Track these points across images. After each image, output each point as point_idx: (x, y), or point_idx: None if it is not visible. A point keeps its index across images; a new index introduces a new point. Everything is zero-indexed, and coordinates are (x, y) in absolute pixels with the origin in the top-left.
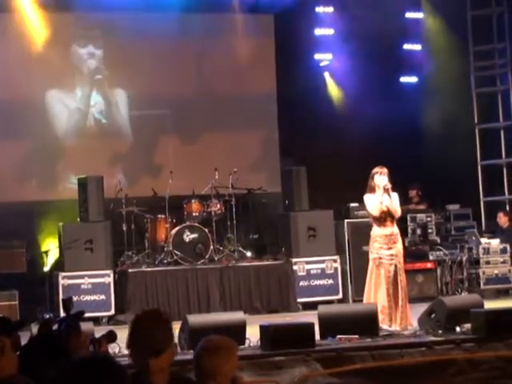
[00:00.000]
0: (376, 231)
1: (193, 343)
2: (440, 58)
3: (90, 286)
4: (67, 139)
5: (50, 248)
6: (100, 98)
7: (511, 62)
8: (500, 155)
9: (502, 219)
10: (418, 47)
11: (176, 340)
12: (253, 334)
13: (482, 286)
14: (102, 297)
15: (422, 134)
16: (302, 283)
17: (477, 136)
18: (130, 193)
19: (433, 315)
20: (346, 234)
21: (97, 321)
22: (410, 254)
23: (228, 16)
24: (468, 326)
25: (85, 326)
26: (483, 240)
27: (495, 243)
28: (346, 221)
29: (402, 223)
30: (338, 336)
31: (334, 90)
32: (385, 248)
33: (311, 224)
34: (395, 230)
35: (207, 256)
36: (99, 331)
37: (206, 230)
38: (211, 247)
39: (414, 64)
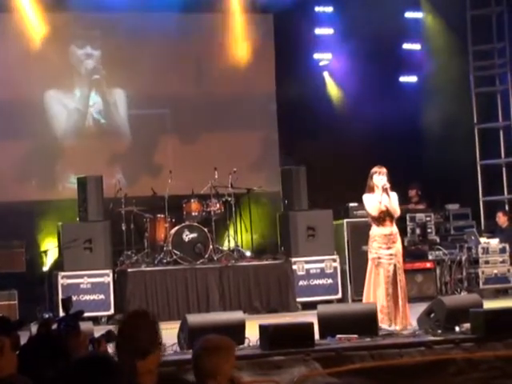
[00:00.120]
0: (375, 231)
1: (192, 343)
2: (439, 58)
3: (90, 285)
4: (66, 139)
5: (50, 248)
6: (98, 98)
7: (510, 61)
8: (499, 155)
9: (502, 219)
10: (417, 47)
11: (175, 339)
12: (252, 334)
13: (481, 286)
14: (102, 296)
15: (422, 134)
16: (301, 283)
17: (476, 136)
18: (129, 192)
19: (432, 315)
20: (345, 233)
21: (96, 320)
22: (410, 254)
23: (227, 16)
24: (467, 325)
25: (84, 326)
26: (482, 240)
27: (494, 243)
28: (345, 220)
29: (401, 223)
30: (338, 336)
31: (333, 90)
32: (384, 248)
33: (310, 224)
34: (394, 229)
35: (206, 256)
36: (98, 331)
37: (206, 229)
38: (210, 247)
39: (414, 64)
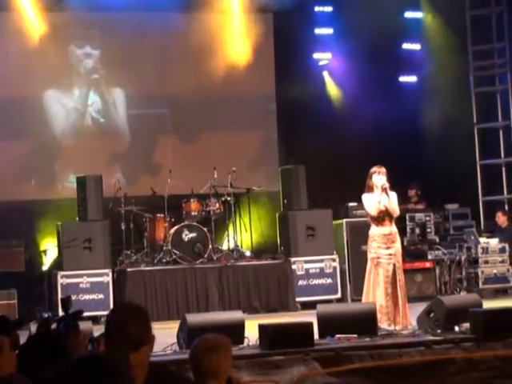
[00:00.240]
0: (374, 231)
1: (191, 342)
2: (439, 58)
3: (89, 285)
4: (65, 139)
5: (49, 247)
6: (97, 98)
7: (510, 61)
8: (499, 155)
9: (501, 219)
10: (417, 47)
11: (175, 339)
12: (251, 334)
13: (480, 286)
14: (101, 296)
15: (421, 134)
16: (300, 282)
17: (476, 136)
18: (128, 192)
19: (431, 315)
20: (344, 233)
21: (95, 320)
22: (409, 254)
23: (227, 15)
24: (467, 325)
25: (83, 325)
26: (482, 239)
27: (494, 243)
28: (344, 220)
29: (400, 222)
30: (337, 335)
31: (332, 90)
32: (383, 247)
33: (310, 223)
34: (394, 229)
35: (206, 255)
36: (98, 330)
37: (205, 229)
38: (210, 246)
39: (414, 64)
